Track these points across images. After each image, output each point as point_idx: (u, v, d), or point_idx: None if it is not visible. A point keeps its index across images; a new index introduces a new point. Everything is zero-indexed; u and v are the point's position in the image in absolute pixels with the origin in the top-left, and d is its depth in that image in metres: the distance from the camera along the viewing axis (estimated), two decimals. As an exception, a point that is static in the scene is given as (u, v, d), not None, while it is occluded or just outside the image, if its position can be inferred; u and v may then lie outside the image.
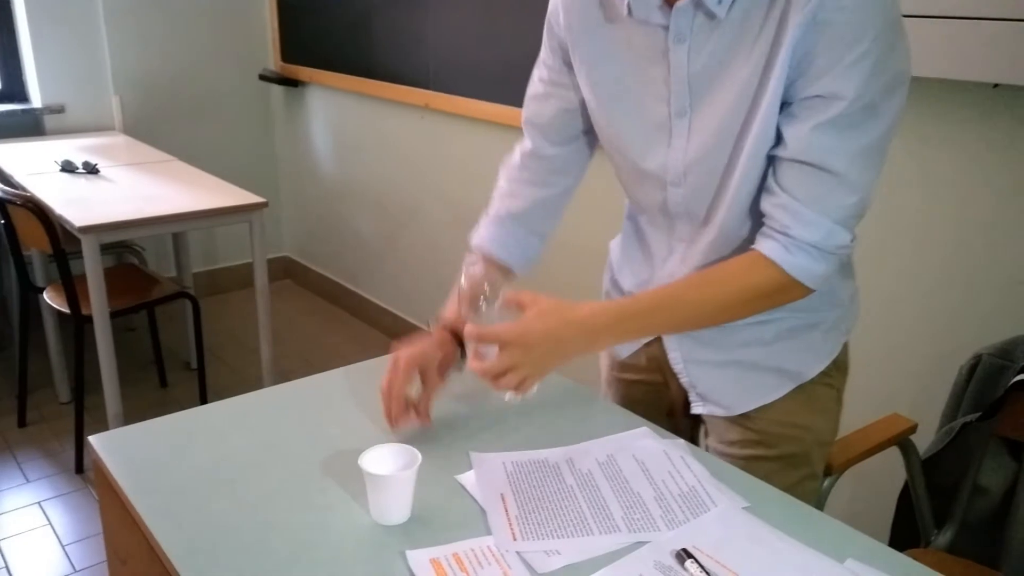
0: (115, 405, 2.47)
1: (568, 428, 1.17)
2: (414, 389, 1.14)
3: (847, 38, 0.90)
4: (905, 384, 1.86)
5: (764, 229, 1.02)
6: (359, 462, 0.96)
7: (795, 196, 0.98)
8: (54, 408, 2.96)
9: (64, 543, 2.28)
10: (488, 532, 0.95)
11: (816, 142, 0.95)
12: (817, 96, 0.94)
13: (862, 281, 1.21)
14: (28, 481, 2.54)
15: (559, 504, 1.00)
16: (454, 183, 3.07)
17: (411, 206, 3.31)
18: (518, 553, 0.91)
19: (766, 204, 1.01)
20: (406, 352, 1.13)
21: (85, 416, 2.68)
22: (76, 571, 2.18)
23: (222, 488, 1.02)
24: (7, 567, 2.18)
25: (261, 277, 2.64)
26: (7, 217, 2.52)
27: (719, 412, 1.20)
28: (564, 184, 1.27)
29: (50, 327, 2.91)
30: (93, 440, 1.14)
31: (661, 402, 1.30)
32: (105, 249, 3.09)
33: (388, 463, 0.98)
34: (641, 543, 0.93)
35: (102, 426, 2.65)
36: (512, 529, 0.95)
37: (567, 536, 0.94)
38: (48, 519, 2.38)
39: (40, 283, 2.79)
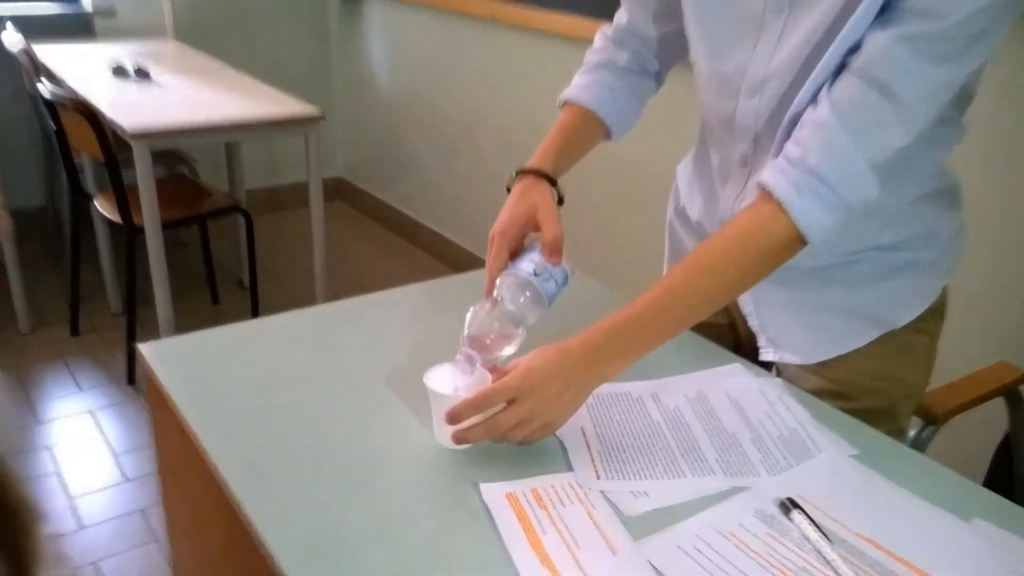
0: (167, 317, 2.44)
1: (650, 359, 1.07)
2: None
3: None
4: (1014, 330, 1.71)
5: (778, 159, 0.88)
6: (424, 379, 0.87)
7: (839, 112, 0.83)
8: (106, 319, 2.95)
9: (116, 452, 2.28)
10: (568, 467, 0.86)
11: (892, 55, 0.80)
12: (916, 7, 0.78)
13: (968, 211, 1.05)
14: (81, 390, 2.54)
15: (646, 442, 0.90)
16: (519, 105, 2.92)
17: (471, 128, 3.18)
18: (602, 492, 0.83)
19: (802, 120, 0.87)
20: (497, 227, 1.02)
21: (137, 328, 2.66)
22: (128, 480, 2.17)
23: (277, 405, 0.95)
24: (59, 474, 2.18)
25: (316, 195, 2.55)
26: (58, 121, 2.46)
27: (793, 359, 1.08)
28: (655, 69, 1.16)
29: (102, 237, 2.88)
30: (143, 348, 1.07)
31: (727, 346, 1.19)
32: (157, 158, 3.03)
33: (455, 382, 0.90)
34: (739, 489, 0.84)
35: (154, 337, 2.62)
36: (595, 466, 0.86)
37: (656, 477, 0.85)
38: (100, 428, 2.37)
39: (91, 191, 2.74)
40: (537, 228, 1.03)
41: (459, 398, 0.84)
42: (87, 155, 2.74)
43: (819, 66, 0.85)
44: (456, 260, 3.41)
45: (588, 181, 2.60)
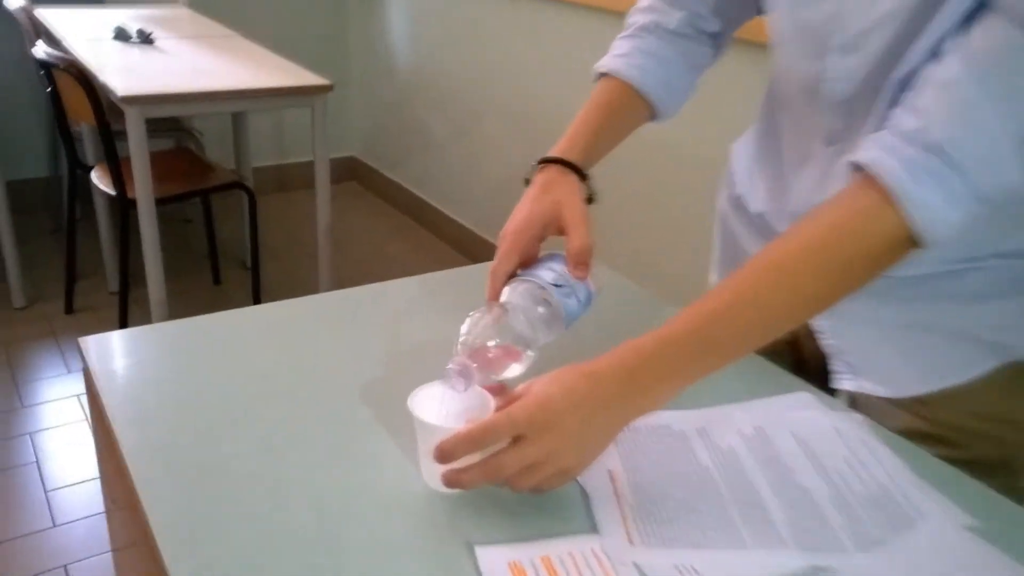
0: (159, 297, 2.26)
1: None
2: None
3: None
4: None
5: (881, 134, 0.67)
6: (408, 403, 0.68)
7: (977, 68, 0.62)
8: (103, 297, 2.79)
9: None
10: (592, 527, 0.67)
11: None
12: None
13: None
14: (69, 372, 2.38)
15: (693, 493, 0.70)
16: (543, 84, 2.71)
17: (490, 109, 2.98)
18: (636, 565, 0.63)
19: (919, 80, 0.66)
20: (510, 225, 0.85)
21: (133, 307, 2.50)
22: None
23: (227, 422, 0.76)
24: (38, 463, 2.02)
25: (322, 172, 2.36)
26: (54, 85, 2.29)
27: (878, 391, 0.86)
28: (713, 30, 0.95)
29: (101, 210, 2.72)
30: (85, 342, 0.89)
31: (785, 367, 0.98)
32: (160, 130, 2.87)
33: (447, 407, 0.70)
34: (819, 569, 0.64)
35: (148, 320, 2.46)
36: (627, 527, 0.66)
37: (707, 546, 0.65)
38: (86, 414, 2.21)
39: (90, 161, 2.58)
40: (560, 232, 0.83)
41: (452, 430, 0.65)
42: (86, 124, 2.57)
43: (945, 7, 0.65)
44: (468, 246, 3.22)
45: (621, 165, 2.39)
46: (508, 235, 0.83)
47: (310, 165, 2.36)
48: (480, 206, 3.17)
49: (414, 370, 0.77)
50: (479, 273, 1.13)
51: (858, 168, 0.67)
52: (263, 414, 0.78)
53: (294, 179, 3.70)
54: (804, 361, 0.96)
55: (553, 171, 0.87)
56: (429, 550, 0.63)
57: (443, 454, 0.64)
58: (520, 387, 0.67)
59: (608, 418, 0.66)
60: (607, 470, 0.72)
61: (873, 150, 0.66)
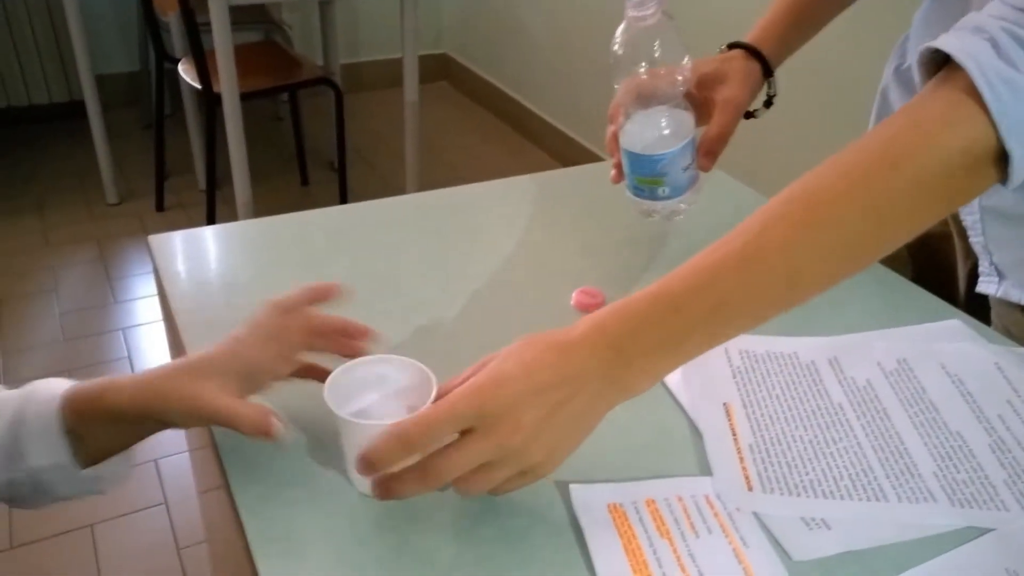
0: (244, 194, 2.24)
1: (823, 302, 0.75)
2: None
3: None
4: None
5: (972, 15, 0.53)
6: (326, 392, 0.53)
7: None
8: (193, 195, 2.79)
9: (188, 339, 2.14)
10: (704, 468, 0.58)
11: None
12: None
13: None
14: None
15: (822, 434, 0.60)
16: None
17: (600, 10, 2.78)
18: (756, 515, 0.54)
19: None
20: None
21: (222, 206, 2.48)
22: (198, 370, 2.03)
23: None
24: (129, 358, 2.05)
25: (411, 67, 2.26)
26: (140, -27, 2.24)
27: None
28: None
29: (189, 106, 2.69)
30: (153, 240, 0.84)
31: (926, 270, 0.86)
32: (247, 21, 2.79)
33: (381, 390, 0.56)
34: (976, 531, 0.53)
35: (235, 219, 2.45)
36: (746, 470, 0.57)
37: (839, 496, 0.55)
38: (177, 311, 2.24)
39: (178, 54, 2.53)
40: (707, 112, 0.75)
41: (380, 426, 0.49)
42: (173, 14, 2.51)
43: None
44: (569, 156, 3.07)
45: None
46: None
47: (396, 62, 2.25)
48: (580, 111, 3.01)
49: (503, 275, 0.69)
50: (573, 176, 1.03)
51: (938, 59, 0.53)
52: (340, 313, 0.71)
53: (382, 76, 3.60)
54: (948, 262, 0.83)
55: (737, 56, 0.79)
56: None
57: (368, 465, 0.49)
58: (470, 368, 0.52)
59: (583, 403, 0.50)
60: (722, 403, 0.63)
61: (960, 39, 0.52)
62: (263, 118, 3.31)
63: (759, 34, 0.80)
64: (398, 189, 2.80)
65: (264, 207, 2.41)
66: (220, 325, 0.70)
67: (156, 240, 0.83)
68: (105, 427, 0.53)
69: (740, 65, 0.78)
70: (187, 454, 1.76)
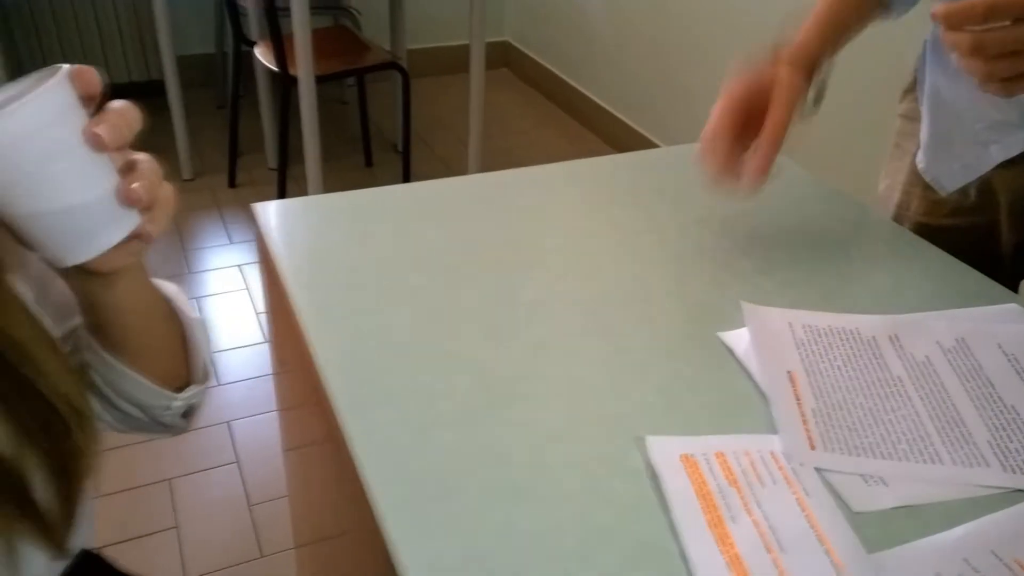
0: (316, 175, 2.32)
1: (888, 286, 0.80)
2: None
3: None
4: None
5: None
6: None
7: None
8: (263, 173, 2.90)
9: (258, 311, 2.23)
10: (768, 427, 0.63)
11: None
12: None
13: None
14: (231, 243, 2.51)
15: (882, 404, 0.65)
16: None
17: (654, -9, 2.81)
18: (818, 471, 0.59)
19: None
20: (731, 89, 0.80)
21: (290, 184, 2.58)
22: (266, 341, 2.13)
23: (399, 288, 0.76)
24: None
25: (477, 55, 2.32)
26: (221, -41, 2.33)
27: None
28: None
29: (263, 88, 2.79)
30: (257, 208, 0.90)
31: (980, 256, 0.88)
32: (319, 6, 2.87)
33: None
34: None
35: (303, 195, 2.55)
36: (808, 431, 0.62)
37: (897, 457, 0.60)
38: (246, 283, 2.33)
39: (254, 37, 2.63)
40: (761, 108, 0.77)
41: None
42: (252, 1, 2.61)
43: None
44: (627, 143, 3.11)
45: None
46: (725, 101, 0.79)
47: (460, 49, 2.31)
48: (643, 103, 3.04)
49: (592, 240, 0.74)
50: (647, 157, 1.08)
51: None
52: (433, 281, 0.77)
53: (444, 62, 3.67)
54: (1003, 249, 0.86)
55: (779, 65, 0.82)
56: (596, 438, 0.61)
57: (948, 17, 0.56)
58: None
59: None
60: (786, 371, 0.68)
61: None
62: (328, 100, 3.41)
63: (798, 44, 0.83)
64: (459, 171, 2.87)
65: (331, 186, 2.50)
66: (322, 287, 0.77)
67: (262, 207, 0.90)
68: None
69: (787, 71, 0.81)
70: (254, 418, 1.86)
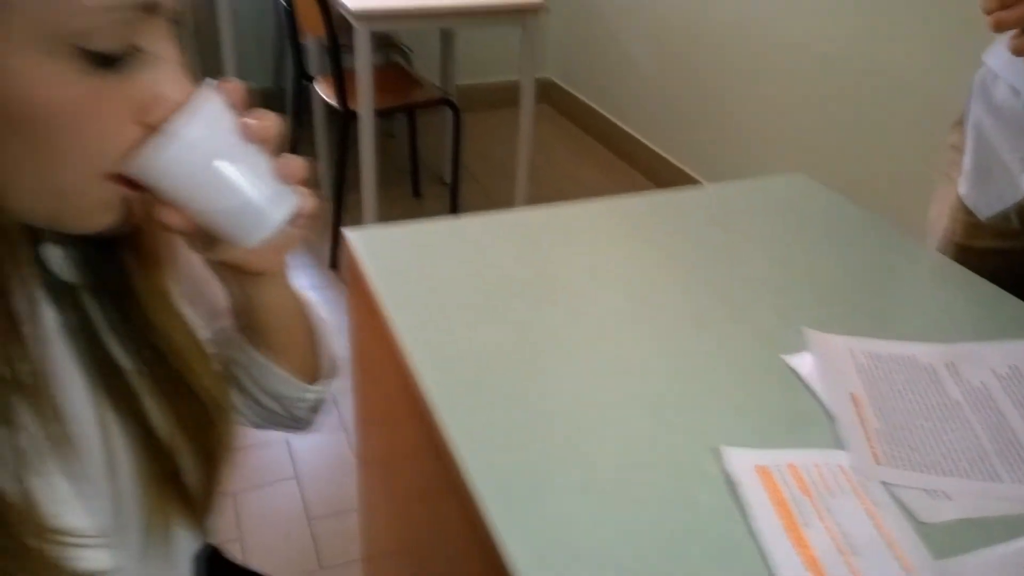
0: (372, 205, 2.42)
1: (942, 319, 0.85)
2: None
3: None
4: None
5: None
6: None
7: None
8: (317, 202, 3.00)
9: (313, 334, 2.31)
10: (835, 444, 0.68)
11: None
12: None
13: None
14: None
15: (941, 425, 0.70)
16: (769, 10, 2.60)
17: (703, 35, 2.89)
18: (884, 484, 0.64)
19: None
20: None
21: (343, 214, 2.67)
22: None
23: (482, 309, 0.82)
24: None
25: (528, 92, 2.41)
26: (289, 1, 2.45)
27: None
28: None
29: (319, 121, 2.90)
30: (350, 233, 0.98)
31: (1013, 275, 0.93)
32: (374, 45, 2.99)
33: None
34: (1080, 510, 0.62)
35: (358, 224, 2.63)
36: (873, 447, 0.67)
37: (958, 474, 0.65)
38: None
39: (313, 73, 2.75)
40: None
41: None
42: (312, 37, 2.73)
43: None
44: (669, 180, 3.18)
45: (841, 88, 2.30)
46: None
47: (507, 85, 2.40)
48: (685, 140, 3.11)
49: (633, 284, 0.80)
50: (692, 196, 1.14)
51: None
52: (514, 304, 0.83)
53: (491, 98, 3.77)
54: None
55: None
56: (674, 448, 0.67)
57: None
58: None
59: None
60: (849, 393, 0.73)
61: None
62: (377, 134, 3.52)
63: None
64: (503, 203, 2.95)
65: (382, 215, 2.59)
66: (413, 308, 0.83)
67: (353, 234, 0.97)
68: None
69: None
70: (312, 435, 1.92)
